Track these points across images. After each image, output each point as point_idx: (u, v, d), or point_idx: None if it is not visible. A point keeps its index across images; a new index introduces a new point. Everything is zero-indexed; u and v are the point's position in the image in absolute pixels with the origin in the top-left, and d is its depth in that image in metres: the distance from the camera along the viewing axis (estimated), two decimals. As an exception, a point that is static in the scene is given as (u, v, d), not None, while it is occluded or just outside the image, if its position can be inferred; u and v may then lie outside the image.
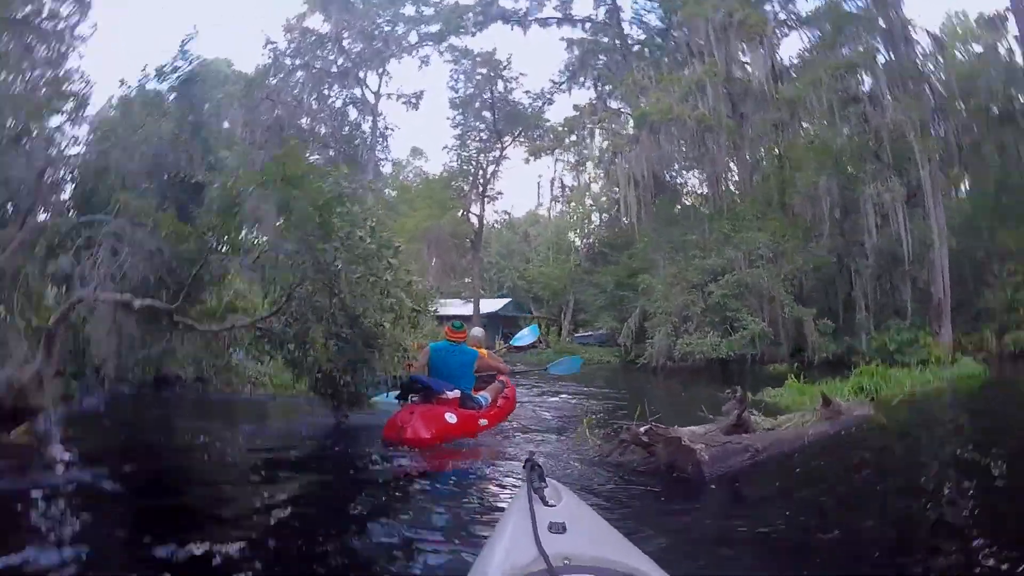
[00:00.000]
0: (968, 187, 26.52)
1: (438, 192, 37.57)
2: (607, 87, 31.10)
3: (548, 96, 34.76)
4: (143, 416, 9.36)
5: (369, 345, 7.55)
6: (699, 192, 29.90)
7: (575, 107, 30.64)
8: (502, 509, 2.69)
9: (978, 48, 26.98)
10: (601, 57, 31.71)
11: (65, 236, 7.53)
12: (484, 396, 7.48)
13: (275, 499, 4.92)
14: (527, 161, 34.92)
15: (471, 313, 36.49)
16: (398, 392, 7.38)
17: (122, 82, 9.46)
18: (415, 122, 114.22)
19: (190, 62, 9.55)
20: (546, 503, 1.87)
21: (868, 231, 20.53)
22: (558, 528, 1.70)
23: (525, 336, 12.22)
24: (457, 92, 35.96)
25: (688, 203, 29.73)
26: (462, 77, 35.57)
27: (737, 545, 3.84)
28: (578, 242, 42.66)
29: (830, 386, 11.09)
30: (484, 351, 8.39)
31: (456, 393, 7.01)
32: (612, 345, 28.59)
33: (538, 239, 49.77)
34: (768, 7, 27.41)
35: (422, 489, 5.38)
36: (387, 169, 40.58)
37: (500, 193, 39.04)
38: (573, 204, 41.74)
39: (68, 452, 6.22)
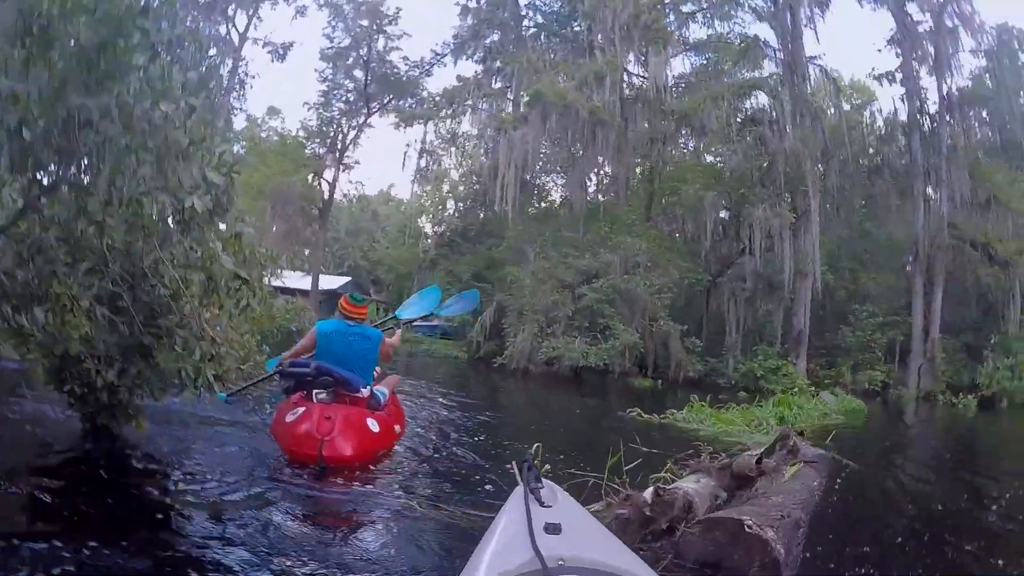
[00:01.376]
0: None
1: (293, 150, 32.62)
2: (496, 63, 28.34)
3: (428, 66, 31.64)
4: None
5: (152, 325, 4.10)
6: (563, 195, 27.73)
7: (459, 78, 27.69)
8: (497, 508, 2.10)
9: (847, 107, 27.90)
10: (495, 32, 29.00)
11: None
12: (382, 391, 5.42)
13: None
14: (397, 127, 31.16)
15: (309, 288, 32.94)
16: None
17: None
18: (278, 81, 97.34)
19: None
20: (542, 504, 1.81)
21: (752, 252, 19.40)
22: (553, 529, 1.64)
23: (452, 305, 7.67)
24: (332, 43, 31.68)
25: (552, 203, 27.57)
26: (340, 26, 31.34)
27: None
28: (428, 228, 39.79)
29: (746, 412, 9.16)
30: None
31: (367, 391, 5.23)
32: (457, 338, 25.81)
33: (389, 219, 45.94)
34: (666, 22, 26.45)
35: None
36: (240, 124, 35.04)
37: (357, 163, 35.02)
38: (429, 189, 38.72)
39: None
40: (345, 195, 43.63)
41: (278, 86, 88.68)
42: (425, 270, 34.51)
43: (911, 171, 24.40)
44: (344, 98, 32.48)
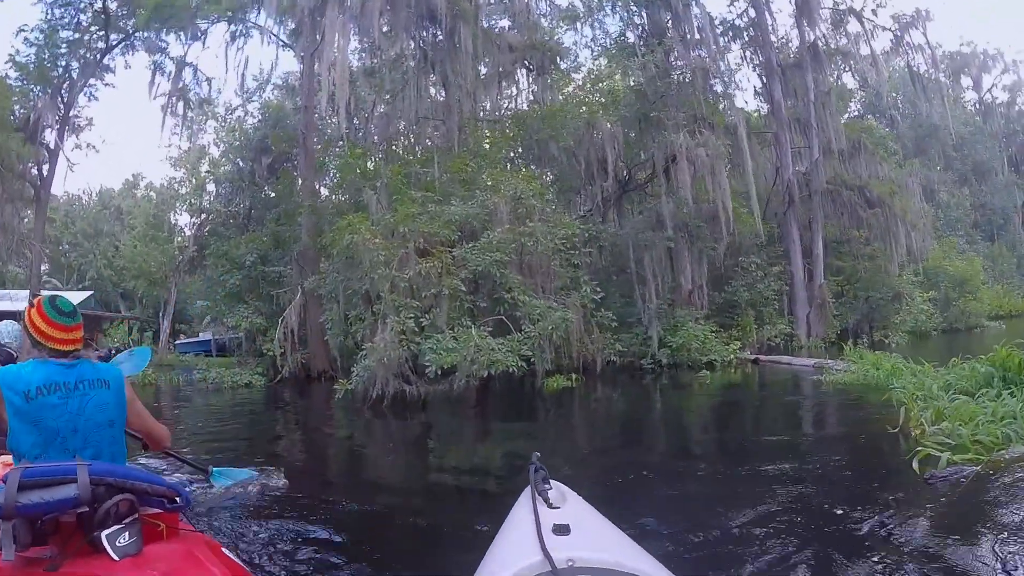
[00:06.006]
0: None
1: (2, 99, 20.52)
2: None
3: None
4: None
5: None
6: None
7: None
8: (506, 511, 2.04)
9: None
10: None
11: None
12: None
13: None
14: (152, 76, 21.36)
15: (22, 309, 20.87)
16: None
17: None
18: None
19: None
20: (550, 505, 1.79)
21: (675, 192, 14.05)
22: (562, 530, 1.58)
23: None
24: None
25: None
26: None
27: None
28: (186, 219, 29.96)
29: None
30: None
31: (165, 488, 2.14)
32: (241, 354, 17.67)
33: (136, 214, 34.40)
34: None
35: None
36: None
37: (91, 121, 23.93)
38: (185, 170, 28.99)
39: None
40: (84, 191, 31.56)
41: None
42: (183, 272, 25.59)
43: (777, 118, 21.52)
44: (74, 23, 21.55)
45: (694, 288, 16.71)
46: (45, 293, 3.65)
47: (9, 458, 2.48)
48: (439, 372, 10.50)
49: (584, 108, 15.64)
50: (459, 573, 1.97)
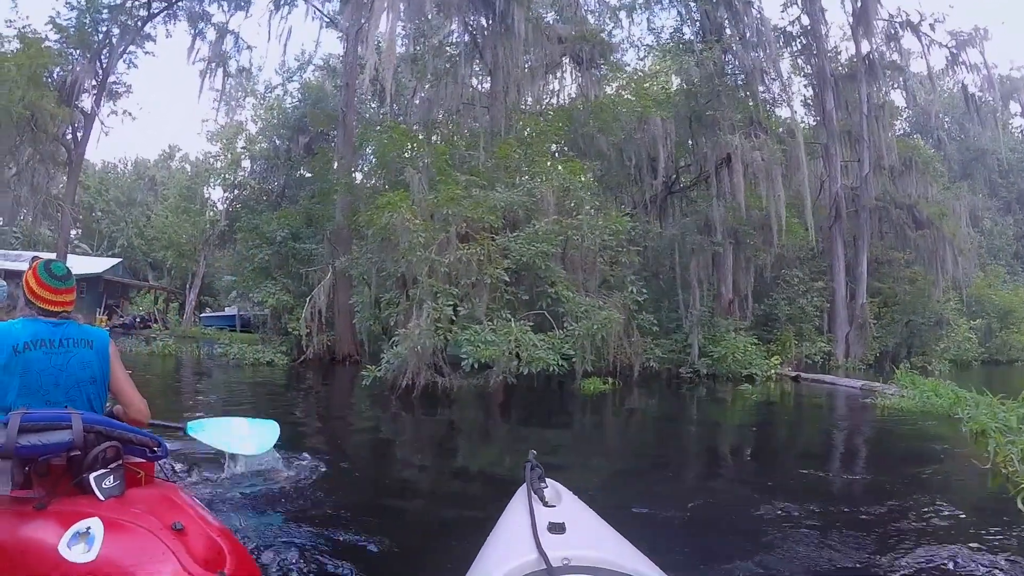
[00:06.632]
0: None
1: (36, 56, 19.95)
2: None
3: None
4: None
5: None
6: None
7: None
8: (502, 509, 1.97)
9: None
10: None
11: None
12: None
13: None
14: (192, 41, 21.04)
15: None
16: None
17: None
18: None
19: None
20: (546, 503, 1.76)
21: (725, 196, 13.31)
22: (558, 528, 1.56)
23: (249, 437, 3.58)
24: None
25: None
26: None
27: None
28: (219, 194, 29.48)
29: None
30: None
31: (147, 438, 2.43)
32: (265, 332, 17.28)
33: (170, 185, 34.18)
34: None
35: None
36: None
37: (129, 88, 23.60)
38: (221, 144, 28.69)
39: None
40: (120, 160, 31.45)
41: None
42: (213, 246, 25.31)
43: (827, 130, 20.64)
44: None
45: (735, 297, 15.97)
46: (44, 256, 3.50)
47: None
48: (475, 366, 9.88)
49: (637, 101, 14.84)
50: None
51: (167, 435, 3.84)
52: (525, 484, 1.86)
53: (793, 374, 15.14)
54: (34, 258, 2.75)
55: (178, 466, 4.29)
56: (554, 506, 1.77)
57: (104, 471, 2.16)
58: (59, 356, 2.44)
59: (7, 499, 2.12)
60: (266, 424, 3.71)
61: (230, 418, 3.83)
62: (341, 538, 3.32)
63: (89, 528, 2.00)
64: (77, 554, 1.97)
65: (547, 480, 1.92)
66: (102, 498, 2.11)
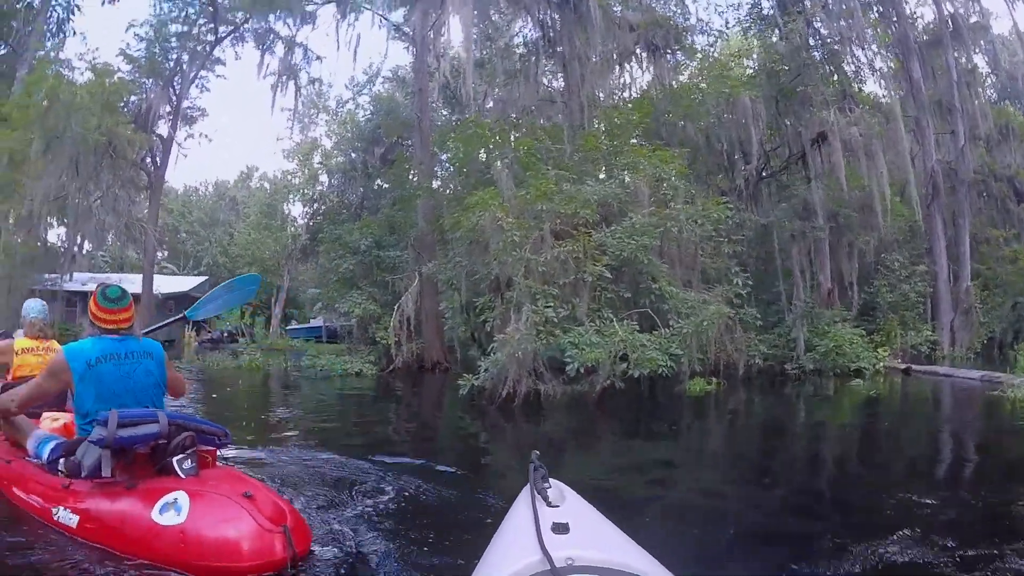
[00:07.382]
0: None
1: (109, 85, 20.79)
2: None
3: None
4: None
5: None
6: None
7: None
8: (506, 509, 1.99)
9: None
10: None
11: None
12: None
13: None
14: (261, 57, 21.51)
15: (139, 291, 21.07)
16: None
17: None
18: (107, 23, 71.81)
19: None
20: (549, 504, 1.74)
21: (823, 176, 12.38)
22: (561, 528, 1.54)
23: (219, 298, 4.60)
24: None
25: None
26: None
27: None
28: (299, 209, 30.28)
29: None
30: None
31: (216, 428, 3.20)
32: (351, 342, 17.14)
33: (250, 204, 35.39)
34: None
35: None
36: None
37: (204, 112, 24.38)
38: (298, 161, 29.32)
39: None
40: (201, 184, 32.79)
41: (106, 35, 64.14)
42: (295, 260, 25.92)
43: (917, 101, 19.17)
44: (183, 15, 22.01)
45: (834, 286, 14.98)
46: (102, 281, 3.91)
47: (57, 414, 3.55)
48: (580, 371, 9.43)
49: (724, 81, 14.05)
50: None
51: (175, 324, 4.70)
52: (529, 484, 1.83)
53: (903, 366, 14.04)
54: (99, 284, 3.12)
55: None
56: (558, 506, 1.74)
57: (183, 455, 2.76)
58: (126, 366, 2.97)
59: (99, 484, 2.69)
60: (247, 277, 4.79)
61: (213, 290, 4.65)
62: (389, 527, 3.39)
63: (176, 499, 2.52)
64: (168, 519, 2.47)
65: (551, 480, 1.90)
66: (183, 476, 2.69)
